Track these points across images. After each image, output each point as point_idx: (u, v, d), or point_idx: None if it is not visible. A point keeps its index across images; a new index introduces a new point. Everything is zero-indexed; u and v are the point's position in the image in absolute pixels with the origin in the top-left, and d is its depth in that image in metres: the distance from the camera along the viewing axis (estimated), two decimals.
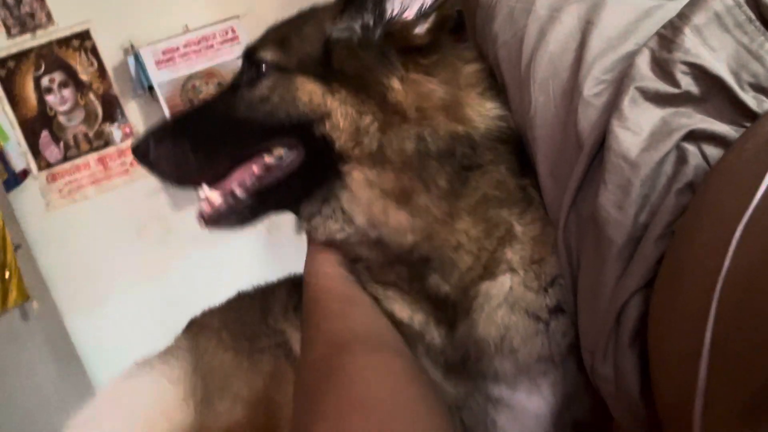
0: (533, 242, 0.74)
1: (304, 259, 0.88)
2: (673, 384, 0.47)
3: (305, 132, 0.77)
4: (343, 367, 0.68)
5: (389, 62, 0.76)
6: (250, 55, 0.83)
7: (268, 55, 0.80)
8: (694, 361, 0.43)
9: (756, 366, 0.36)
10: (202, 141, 0.81)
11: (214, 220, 0.81)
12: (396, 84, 0.75)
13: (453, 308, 0.76)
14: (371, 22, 0.78)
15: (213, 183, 0.82)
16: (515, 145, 0.77)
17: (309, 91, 0.77)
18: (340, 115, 0.75)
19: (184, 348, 0.97)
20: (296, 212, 0.84)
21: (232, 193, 0.80)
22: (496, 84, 0.81)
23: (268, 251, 3.20)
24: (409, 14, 0.77)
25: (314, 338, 0.76)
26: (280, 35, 0.83)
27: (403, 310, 0.80)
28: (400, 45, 0.77)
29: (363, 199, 0.76)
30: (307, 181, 0.79)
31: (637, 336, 0.58)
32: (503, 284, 0.74)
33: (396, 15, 0.78)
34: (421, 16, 0.77)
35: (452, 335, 0.77)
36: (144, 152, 0.81)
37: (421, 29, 0.77)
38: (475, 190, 0.74)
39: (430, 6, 0.77)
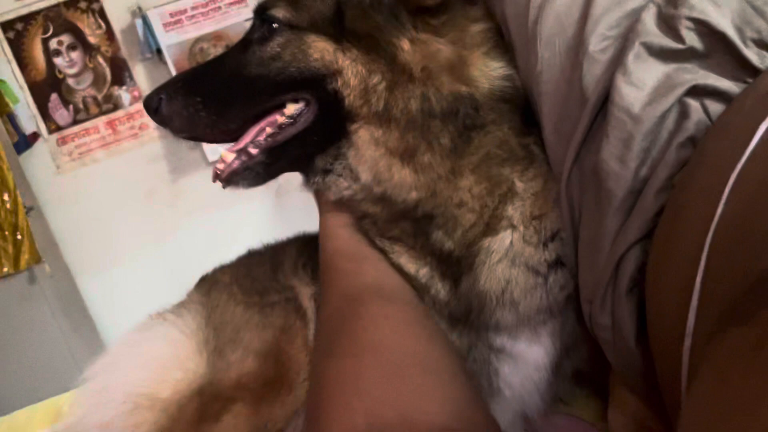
0: (534, 198, 0.76)
1: (317, 223, 0.90)
2: (667, 322, 0.49)
3: (317, 87, 0.78)
4: (357, 315, 0.71)
5: (400, 23, 0.76)
6: (261, 12, 0.82)
7: (279, 12, 0.80)
8: (686, 297, 0.45)
9: (746, 282, 0.38)
10: (214, 96, 0.81)
11: (229, 178, 0.82)
12: (406, 44, 0.75)
13: (457, 263, 0.78)
14: None
15: (226, 141, 0.83)
16: (519, 104, 0.78)
17: (321, 49, 0.77)
18: (351, 72, 0.76)
19: (197, 302, 0.99)
20: (306, 171, 0.85)
21: (246, 151, 0.81)
22: (503, 43, 0.81)
23: (275, 214, 3.23)
24: None
25: (328, 295, 0.79)
26: None
27: (409, 263, 0.82)
28: (410, 6, 0.77)
29: (368, 157, 0.77)
30: (319, 138, 0.80)
31: (634, 286, 0.60)
32: (504, 240, 0.76)
33: None
34: None
35: (456, 289, 0.79)
36: (156, 106, 0.82)
37: None
38: (478, 148, 0.76)
39: None
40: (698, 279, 0.44)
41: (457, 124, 0.75)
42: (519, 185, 0.76)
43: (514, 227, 0.76)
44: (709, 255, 0.43)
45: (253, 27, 0.84)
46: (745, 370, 0.31)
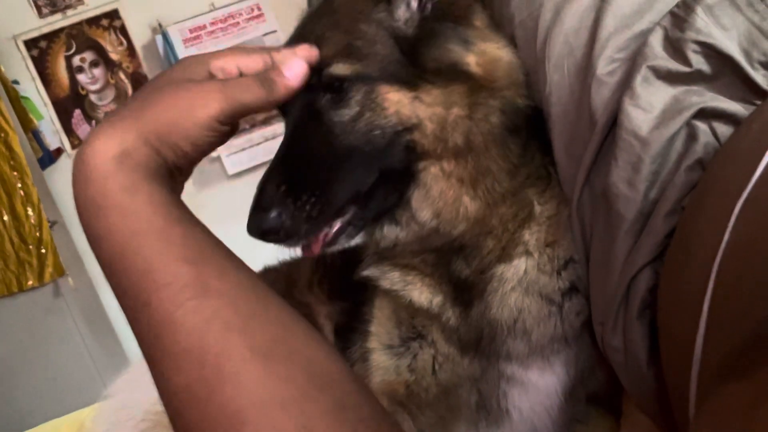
0: (548, 223, 0.75)
1: None
2: (676, 348, 0.50)
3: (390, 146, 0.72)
4: None
5: (459, 38, 0.73)
6: (323, 73, 0.72)
7: (342, 69, 0.71)
8: (694, 325, 0.45)
9: (744, 326, 0.39)
10: (324, 187, 0.70)
11: (334, 241, 0.73)
12: (472, 59, 0.72)
13: (469, 290, 0.77)
14: (416, 4, 0.73)
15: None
16: (541, 123, 0.76)
17: (395, 101, 0.70)
18: (429, 121, 0.70)
19: None
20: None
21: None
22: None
23: None
24: None
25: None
26: (340, 45, 0.73)
27: (422, 294, 0.80)
28: (455, 15, 0.74)
29: (435, 192, 0.73)
30: (385, 189, 0.74)
31: (645, 308, 0.60)
32: (518, 267, 0.75)
33: None
34: None
35: (467, 315, 0.78)
36: (276, 228, 0.69)
37: None
38: (527, 167, 0.74)
39: None
40: (705, 307, 0.44)
41: (521, 138, 0.73)
42: (537, 208, 0.75)
43: (529, 254, 0.75)
44: (716, 284, 0.44)
45: (311, 97, 0.73)
46: (741, 429, 0.32)
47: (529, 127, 0.74)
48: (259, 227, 0.69)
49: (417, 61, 0.71)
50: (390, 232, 0.77)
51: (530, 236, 0.75)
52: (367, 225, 0.77)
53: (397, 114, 0.70)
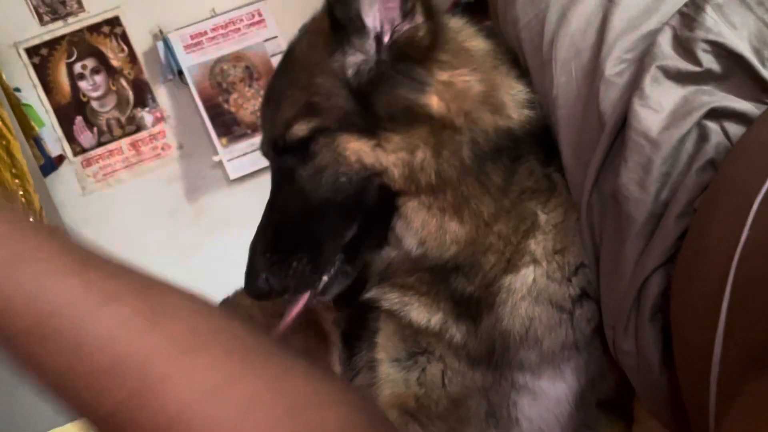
0: (555, 231, 0.74)
1: None
2: (692, 350, 0.49)
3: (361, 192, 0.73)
4: None
5: (419, 80, 0.71)
6: (282, 142, 0.75)
7: (302, 127, 0.73)
8: (711, 331, 0.44)
9: (765, 340, 0.38)
10: (304, 244, 0.74)
11: (325, 291, 0.77)
12: (433, 99, 0.70)
13: (476, 304, 0.76)
14: (373, 48, 0.72)
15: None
16: (540, 131, 0.75)
17: (356, 150, 0.71)
18: (393, 166, 0.70)
19: None
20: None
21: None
22: (517, 63, 0.79)
23: None
24: (396, 17, 0.71)
25: None
26: (301, 103, 0.74)
27: (420, 314, 0.79)
28: (419, 56, 0.72)
29: (417, 223, 0.73)
30: (376, 225, 0.76)
31: (657, 311, 0.59)
32: (526, 277, 0.74)
33: (384, 26, 0.72)
34: (408, 13, 0.71)
35: (475, 330, 0.77)
36: (267, 291, 0.75)
37: (419, 27, 0.71)
38: (518, 185, 0.73)
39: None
40: (724, 307, 0.43)
41: (504, 161, 0.72)
42: (542, 218, 0.74)
43: (537, 263, 0.74)
44: (734, 284, 0.43)
45: (282, 156, 0.76)
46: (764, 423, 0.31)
47: (520, 144, 0.73)
48: (252, 291, 0.76)
49: (371, 110, 0.71)
50: (383, 253, 0.79)
51: (536, 245, 0.74)
52: (359, 269, 0.78)
53: (359, 162, 0.71)
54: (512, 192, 0.73)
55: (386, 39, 0.72)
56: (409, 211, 0.73)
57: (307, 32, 0.79)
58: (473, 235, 0.72)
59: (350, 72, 0.72)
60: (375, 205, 0.74)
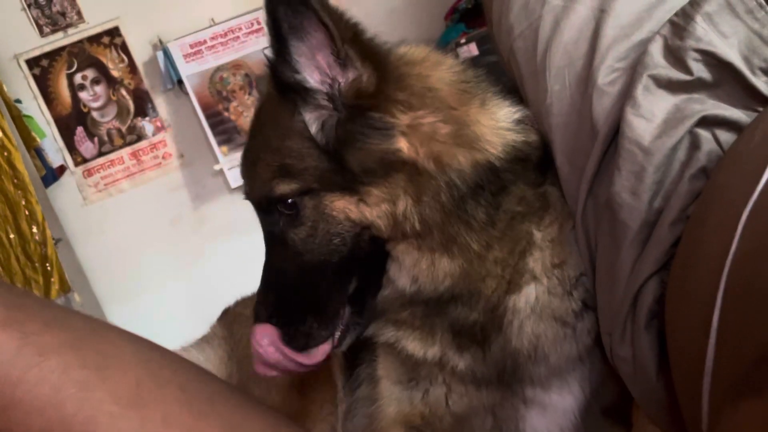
0: (552, 245, 0.74)
1: None
2: (686, 359, 0.49)
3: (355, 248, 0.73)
4: None
5: (378, 128, 0.69)
6: (266, 201, 0.75)
7: (284, 189, 0.72)
8: (704, 338, 0.44)
9: (758, 338, 0.38)
10: (301, 308, 0.75)
11: (341, 341, 0.77)
12: (402, 143, 0.69)
13: (482, 330, 0.76)
14: (329, 105, 0.71)
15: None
16: (531, 153, 0.74)
17: (342, 209, 0.71)
18: (379, 219, 0.71)
19: (220, 336, 1.01)
20: None
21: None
22: (494, 81, 0.78)
23: None
24: (335, 70, 0.70)
25: None
26: (274, 166, 0.73)
27: (416, 347, 0.80)
28: (366, 105, 0.70)
29: (408, 263, 0.74)
30: (373, 270, 0.77)
31: (653, 318, 0.60)
32: (529, 295, 0.74)
33: (329, 81, 0.70)
34: (344, 63, 0.69)
35: (483, 355, 0.77)
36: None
37: (363, 74, 0.69)
38: (506, 212, 0.72)
39: (340, 48, 0.68)
40: (715, 318, 0.44)
41: (486, 195, 0.71)
42: (537, 235, 0.74)
43: (537, 279, 0.74)
44: (725, 295, 0.44)
45: (270, 222, 0.76)
46: None
47: (503, 173, 0.72)
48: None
49: (346, 166, 0.70)
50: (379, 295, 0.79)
51: (534, 262, 0.74)
52: (369, 317, 0.79)
53: (348, 219, 0.71)
54: (501, 221, 0.72)
55: (336, 93, 0.70)
56: (400, 253, 0.74)
57: (269, 92, 0.77)
58: (466, 267, 0.72)
59: (313, 130, 0.71)
60: (369, 255, 0.74)
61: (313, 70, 0.70)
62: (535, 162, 0.74)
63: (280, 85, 0.72)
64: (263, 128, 0.78)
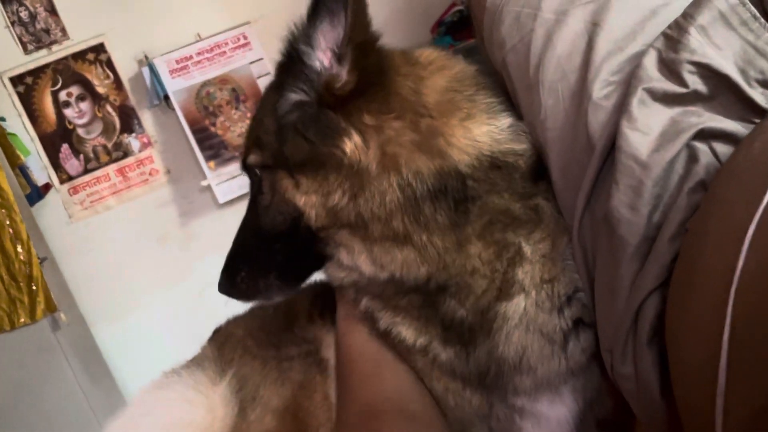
0: (543, 261, 0.73)
1: (337, 311, 0.91)
2: (693, 384, 0.48)
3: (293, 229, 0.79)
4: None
5: (331, 128, 0.72)
6: (244, 164, 0.84)
7: (252, 158, 0.81)
8: (713, 362, 0.43)
9: None
10: (256, 262, 0.84)
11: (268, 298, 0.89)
12: (348, 145, 0.71)
13: (469, 331, 0.75)
14: (304, 89, 0.74)
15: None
16: (519, 164, 0.74)
17: (285, 188, 0.76)
18: (309, 208, 0.75)
19: (210, 357, 0.99)
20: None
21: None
22: (490, 95, 0.78)
23: None
24: (332, 62, 0.72)
25: (349, 401, 0.79)
26: (254, 135, 0.82)
27: (408, 333, 0.80)
28: (335, 100, 0.72)
29: (360, 248, 0.75)
30: (307, 254, 0.82)
31: (655, 334, 0.58)
32: (518, 305, 0.73)
33: (321, 72, 0.73)
34: (340, 60, 0.72)
35: (466, 354, 0.77)
36: (226, 291, 0.86)
37: (344, 74, 0.72)
38: (479, 217, 0.71)
39: (341, 46, 0.71)
40: (725, 338, 0.43)
41: (449, 201, 0.70)
42: (526, 248, 0.73)
43: (526, 292, 0.73)
44: (734, 316, 0.42)
45: (250, 182, 0.85)
46: None
47: (477, 181, 0.71)
48: (219, 290, 0.86)
49: (284, 153, 0.75)
50: (331, 273, 0.84)
51: (524, 274, 0.73)
52: (295, 287, 0.87)
53: (291, 201, 0.76)
54: (472, 223, 0.71)
55: (316, 79, 0.74)
56: (345, 239, 0.76)
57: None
58: (439, 258, 0.72)
59: (280, 111, 0.76)
60: (304, 240, 0.78)
61: (320, 52, 0.73)
62: (524, 171, 0.74)
63: (287, 55, 0.76)
64: (262, 103, 0.85)
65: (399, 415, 0.74)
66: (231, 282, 0.85)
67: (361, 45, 0.71)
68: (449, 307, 0.75)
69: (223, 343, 1.02)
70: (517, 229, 0.73)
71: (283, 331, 1.00)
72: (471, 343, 0.76)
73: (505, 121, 0.75)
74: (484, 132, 0.74)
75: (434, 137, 0.72)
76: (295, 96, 0.75)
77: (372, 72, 0.72)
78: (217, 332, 1.09)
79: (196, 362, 0.99)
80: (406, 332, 0.80)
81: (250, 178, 0.84)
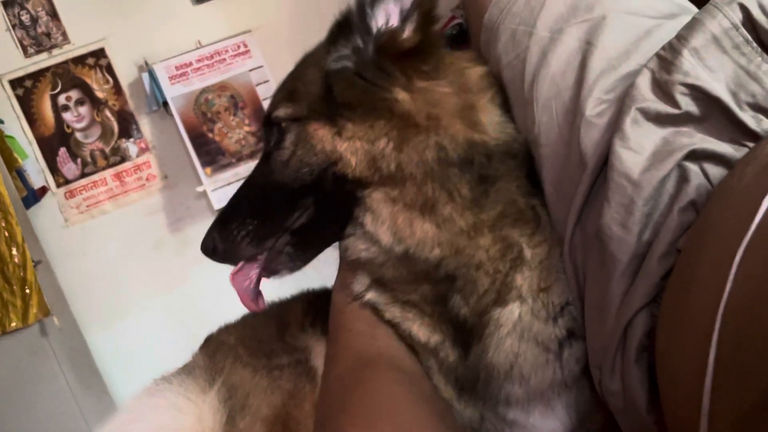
0: (540, 267, 0.74)
1: (335, 281, 0.91)
2: (680, 400, 0.49)
3: (318, 190, 0.78)
4: (370, 379, 0.71)
5: (387, 74, 0.76)
6: (268, 120, 0.83)
7: (281, 111, 0.80)
8: (699, 379, 0.44)
9: (755, 383, 0.38)
10: (252, 217, 0.80)
11: (267, 269, 0.83)
12: (401, 94, 0.74)
13: (469, 332, 0.77)
14: (361, 42, 0.78)
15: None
16: (523, 161, 0.77)
17: (320, 137, 0.76)
18: (350, 154, 0.75)
19: (201, 366, 0.99)
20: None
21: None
22: (503, 91, 0.81)
23: None
24: (394, 22, 0.77)
25: (341, 354, 0.79)
26: (287, 89, 0.84)
27: (420, 331, 0.80)
28: (394, 54, 0.76)
29: (386, 216, 0.76)
30: (331, 218, 0.81)
31: (643, 351, 0.59)
32: (513, 312, 0.74)
33: (382, 28, 0.77)
34: (405, 19, 0.77)
35: (465, 357, 0.78)
36: (211, 248, 0.82)
37: (408, 31, 0.76)
38: (494, 204, 0.74)
39: (410, 6, 0.76)
40: (711, 359, 0.43)
41: (474, 173, 0.73)
42: (527, 252, 0.74)
43: (522, 299, 0.74)
44: (720, 336, 0.43)
45: (267, 138, 0.84)
46: None
47: (495, 163, 0.75)
48: (201, 246, 0.83)
49: (331, 95, 0.77)
50: (350, 245, 0.81)
51: (523, 281, 0.74)
52: (309, 255, 0.84)
53: (322, 150, 0.76)
54: (488, 208, 0.74)
55: (375, 33, 0.77)
56: (375, 203, 0.76)
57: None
58: (453, 240, 0.74)
59: (334, 57, 0.79)
60: (330, 196, 0.78)
61: (381, 12, 0.78)
62: (528, 168, 0.77)
63: (347, 15, 0.80)
64: (302, 62, 0.87)
65: (391, 366, 0.75)
66: (224, 240, 0.81)
67: (428, 12, 0.76)
68: (455, 303, 0.76)
69: (215, 351, 1.02)
70: (522, 227, 0.75)
71: (274, 339, 1.00)
72: (469, 344, 0.77)
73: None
74: (508, 118, 0.79)
75: (472, 110, 0.76)
76: (354, 43, 0.78)
77: (431, 38, 0.77)
78: (209, 340, 1.09)
79: (186, 370, 0.99)
80: (419, 330, 0.80)
81: (268, 135, 0.84)
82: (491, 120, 0.77)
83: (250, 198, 0.83)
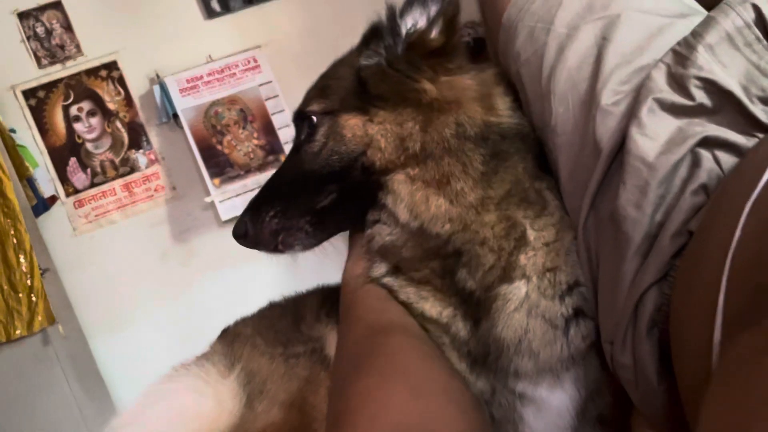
0: (546, 249, 0.78)
1: (345, 263, 0.94)
2: (692, 358, 0.51)
3: (345, 178, 0.84)
4: (384, 343, 0.75)
5: (416, 68, 0.83)
6: (300, 114, 0.90)
7: (314, 106, 0.88)
8: (709, 330, 0.47)
9: (747, 304, 0.40)
10: (282, 204, 0.87)
11: (284, 242, 0.89)
12: (428, 85, 0.82)
13: (477, 305, 0.80)
14: (392, 42, 0.86)
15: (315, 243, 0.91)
16: (531, 146, 0.83)
17: (352, 126, 0.83)
18: (380, 136, 0.82)
19: (220, 352, 1.01)
20: (359, 226, 0.92)
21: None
22: (512, 86, 0.89)
23: (287, 272, 3.24)
24: (422, 25, 0.86)
25: (353, 326, 0.82)
26: (320, 86, 0.91)
27: (433, 307, 0.83)
28: (422, 52, 0.84)
29: (405, 194, 0.82)
30: (351, 203, 0.88)
31: (653, 326, 0.62)
32: (519, 289, 0.77)
33: (411, 29, 0.86)
34: (431, 23, 0.85)
35: (476, 330, 0.80)
36: (243, 233, 0.88)
37: (435, 33, 0.85)
38: (502, 182, 0.79)
39: (436, 13, 0.85)
40: (720, 307, 0.46)
41: (488, 149, 0.80)
42: (530, 233, 0.78)
43: (528, 277, 0.77)
44: (729, 278, 0.46)
45: (297, 132, 0.91)
46: (750, 374, 0.33)
47: (507, 142, 0.81)
48: (234, 231, 0.89)
49: (366, 89, 0.84)
50: (378, 231, 0.86)
51: (526, 260, 0.77)
52: (324, 235, 0.90)
53: (353, 138, 0.83)
54: (496, 186, 0.79)
55: (405, 33, 0.86)
56: (396, 183, 0.82)
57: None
58: (463, 215, 0.79)
59: (363, 59, 0.87)
60: (355, 184, 0.85)
61: (410, 18, 0.87)
62: (533, 152, 0.83)
63: (378, 22, 0.89)
64: (332, 65, 0.94)
65: (404, 331, 0.78)
66: (254, 223, 0.87)
67: (452, 18, 0.85)
68: (462, 277, 0.80)
69: (232, 341, 1.04)
70: (526, 208, 0.79)
71: (290, 330, 1.03)
72: (479, 318, 0.80)
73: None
74: (518, 107, 0.87)
75: (489, 97, 0.85)
76: (386, 42, 0.87)
77: (454, 41, 0.86)
78: (226, 332, 1.11)
79: (205, 356, 1.01)
80: (431, 308, 0.83)
81: (298, 129, 0.90)
82: (505, 106, 0.85)
83: (280, 186, 0.90)
